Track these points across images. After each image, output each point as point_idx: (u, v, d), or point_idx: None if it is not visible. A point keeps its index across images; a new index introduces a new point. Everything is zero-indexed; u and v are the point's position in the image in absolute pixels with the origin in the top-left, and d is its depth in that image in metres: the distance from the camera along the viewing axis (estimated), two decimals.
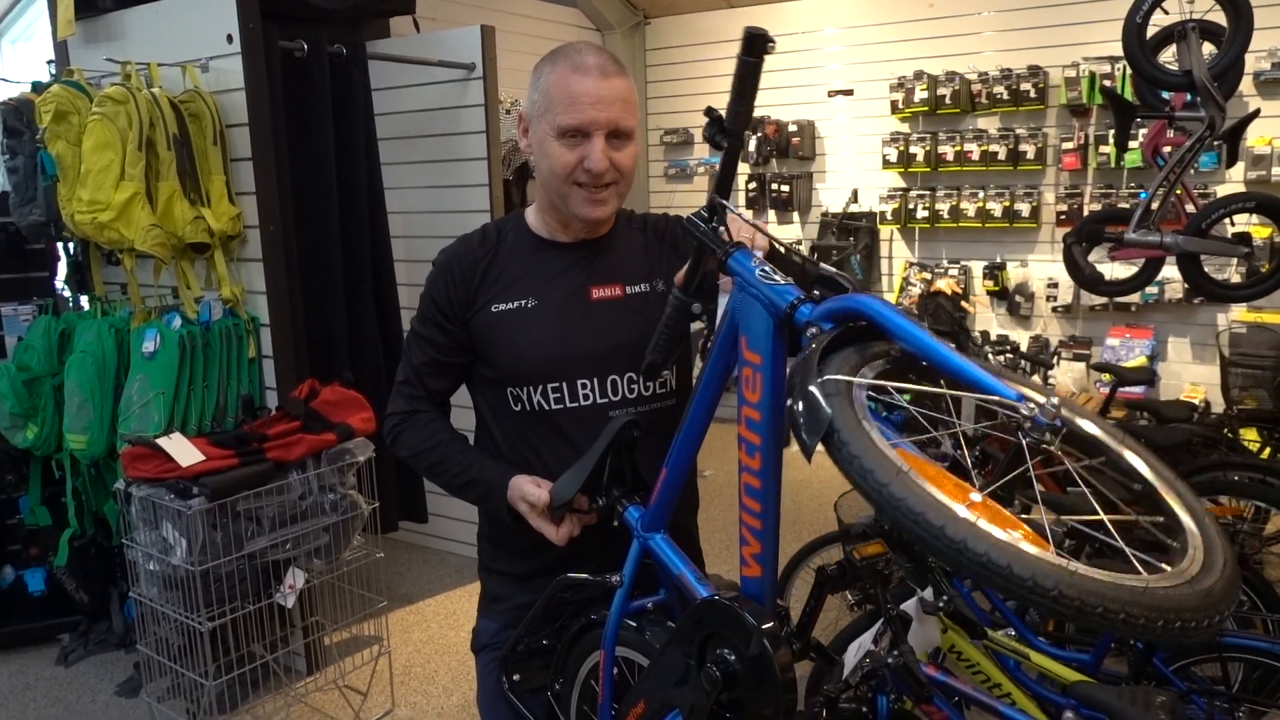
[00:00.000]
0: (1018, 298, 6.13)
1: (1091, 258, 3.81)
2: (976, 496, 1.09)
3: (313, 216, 3.98)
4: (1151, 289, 5.83)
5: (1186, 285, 5.77)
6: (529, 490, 1.71)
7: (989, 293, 6.23)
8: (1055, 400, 1.10)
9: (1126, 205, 5.43)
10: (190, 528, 2.99)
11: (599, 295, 1.79)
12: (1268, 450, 4.43)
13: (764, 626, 1.28)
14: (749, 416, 1.32)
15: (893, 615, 2.57)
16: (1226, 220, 3.39)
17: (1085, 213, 5.70)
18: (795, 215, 6.89)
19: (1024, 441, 1.11)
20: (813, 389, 1.09)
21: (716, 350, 1.43)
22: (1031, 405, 1.09)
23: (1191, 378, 5.91)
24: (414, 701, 3.67)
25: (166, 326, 3.65)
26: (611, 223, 1.83)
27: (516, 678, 1.77)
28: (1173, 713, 2.24)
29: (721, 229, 1.48)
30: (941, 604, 2.60)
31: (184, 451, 3.11)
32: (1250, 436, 5.02)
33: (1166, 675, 2.65)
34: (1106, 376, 4.64)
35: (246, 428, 3.41)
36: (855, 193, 6.59)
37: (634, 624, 1.64)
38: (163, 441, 3.13)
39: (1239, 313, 5.74)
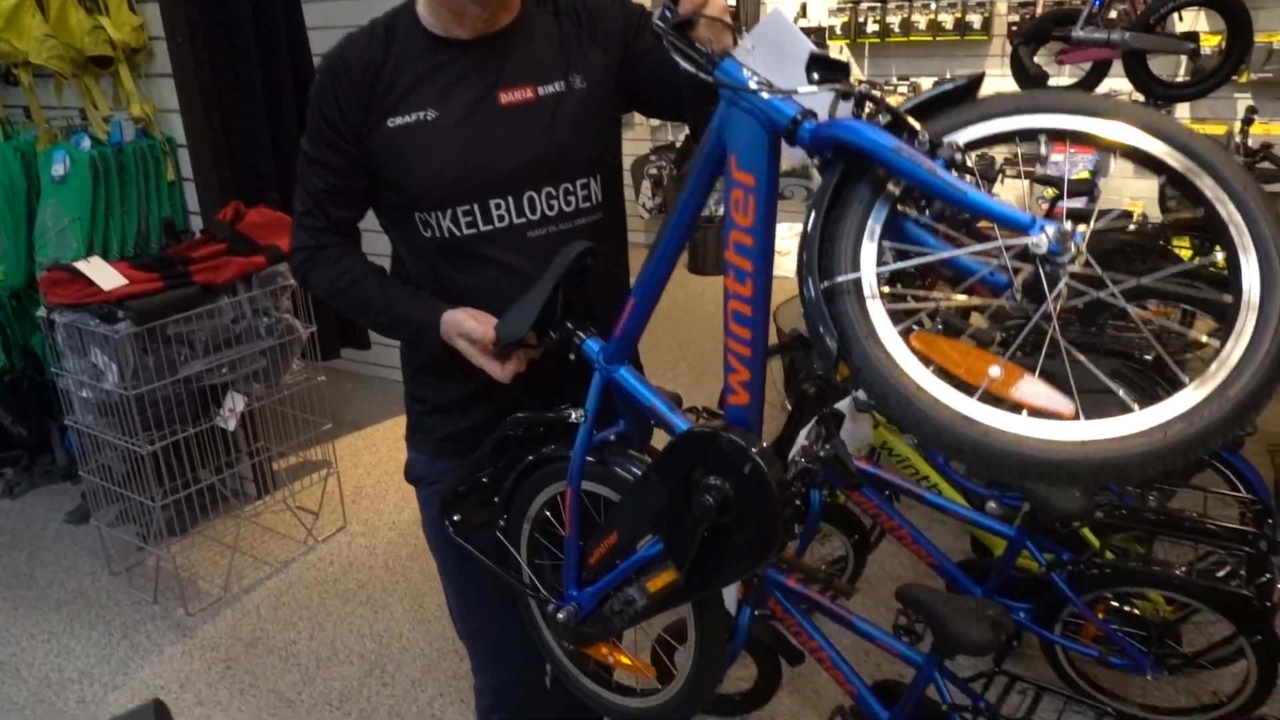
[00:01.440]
0: None
1: (1040, 63, 3.73)
2: (996, 370, 0.99)
3: (223, 24, 3.71)
4: None
5: (1133, 93, 5.70)
6: (468, 325, 1.54)
7: None
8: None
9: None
10: (119, 352, 2.93)
11: (508, 100, 1.55)
12: (1198, 259, 4.51)
13: (755, 450, 1.25)
14: (739, 241, 1.23)
15: (827, 413, 2.65)
16: (1175, 16, 3.31)
17: None
18: (743, 30, 6.61)
19: (1043, 273, 0.99)
20: (820, 303, 1.04)
21: (699, 168, 1.29)
22: (1045, 231, 0.98)
23: (1132, 192, 5.96)
24: (366, 519, 3.75)
25: (75, 148, 3.44)
26: (515, 9, 1.58)
27: (457, 518, 1.70)
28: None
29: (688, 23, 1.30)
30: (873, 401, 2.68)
31: (105, 275, 3.00)
32: (1182, 245, 5.12)
33: None
34: (1049, 191, 4.64)
35: (170, 251, 3.30)
36: (804, 7, 6.33)
37: (594, 458, 1.54)
38: (82, 266, 3.01)
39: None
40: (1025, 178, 6.00)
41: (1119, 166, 6.03)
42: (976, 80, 1.12)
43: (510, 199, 1.57)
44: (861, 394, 2.67)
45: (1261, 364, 0.92)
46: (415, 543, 3.57)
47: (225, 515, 3.65)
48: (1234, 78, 5.53)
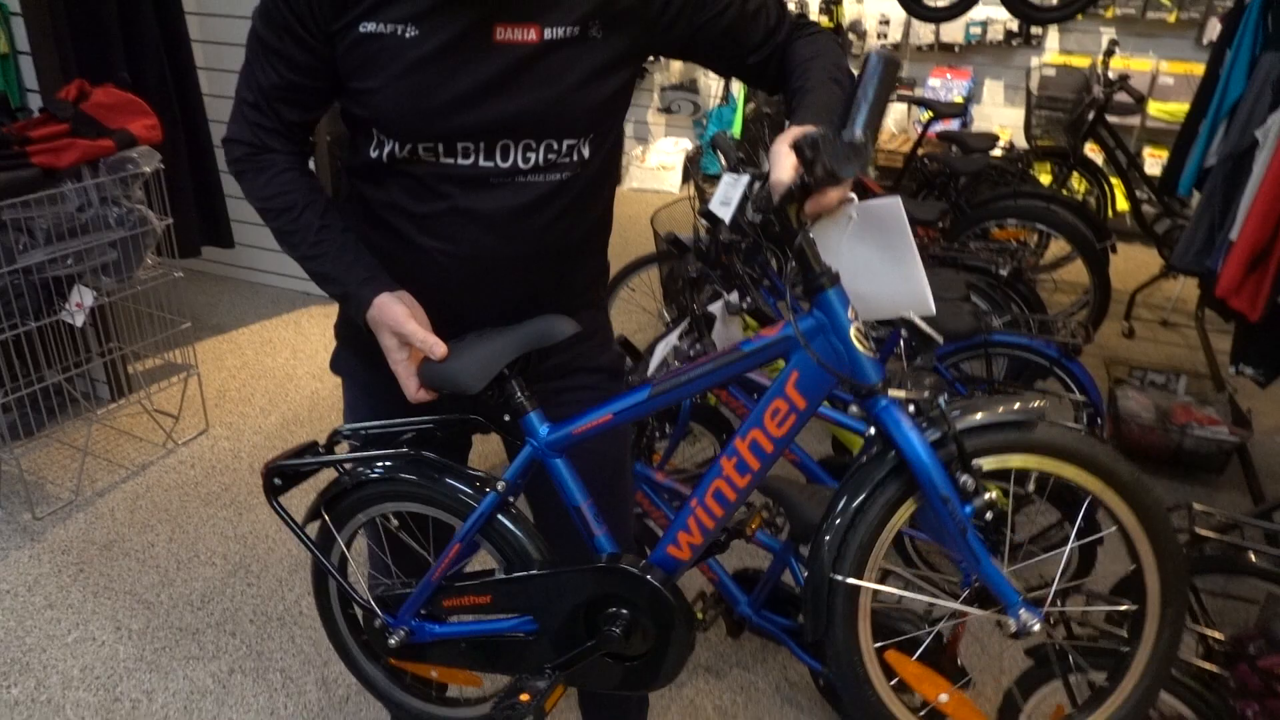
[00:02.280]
0: (850, 35, 6.10)
1: None
2: (945, 697, 1.33)
3: None
4: (975, 28, 5.91)
5: (1008, 18, 5.87)
6: (408, 327, 1.36)
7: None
8: None
9: None
10: None
11: (504, 37, 1.29)
12: (1055, 184, 4.75)
13: (682, 612, 1.37)
14: (758, 442, 1.28)
15: (699, 316, 2.70)
16: None
17: None
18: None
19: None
20: (821, 586, 1.25)
21: (754, 355, 1.27)
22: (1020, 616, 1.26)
23: (1001, 120, 6.18)
24: (230, 423, 3.63)
25: None
26: None
27: (278, 481, 1.58)
28: (974, 313, 2.48)
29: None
30: (745, 304, 2.74)
31: None
32: (1044, 170, 5.36)
33: (939, 370, 2.94)
34: (925, 116, 4.76)
35: (4, 130, 3.03)
36: None
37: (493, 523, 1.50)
38: None
39: (1051, 56, 5.95)
40: (902, 100, 6.12)
41: (990, 94, 6.24)
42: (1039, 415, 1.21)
43: (481, 144, 1.34)
44: (734, 298, 2.73)
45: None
46: (283, 445, 3.48)
47: (76, 418, 3.47)
48: (1100, 12, 5.75)
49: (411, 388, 1.40)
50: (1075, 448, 1.20)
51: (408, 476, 1.51)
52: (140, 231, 3.17)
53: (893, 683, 1.30)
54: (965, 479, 1.17)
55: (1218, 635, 1.89)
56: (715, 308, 2.70)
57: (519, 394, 1.41)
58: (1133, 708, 1.34)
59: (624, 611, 1.39)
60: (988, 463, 1.20)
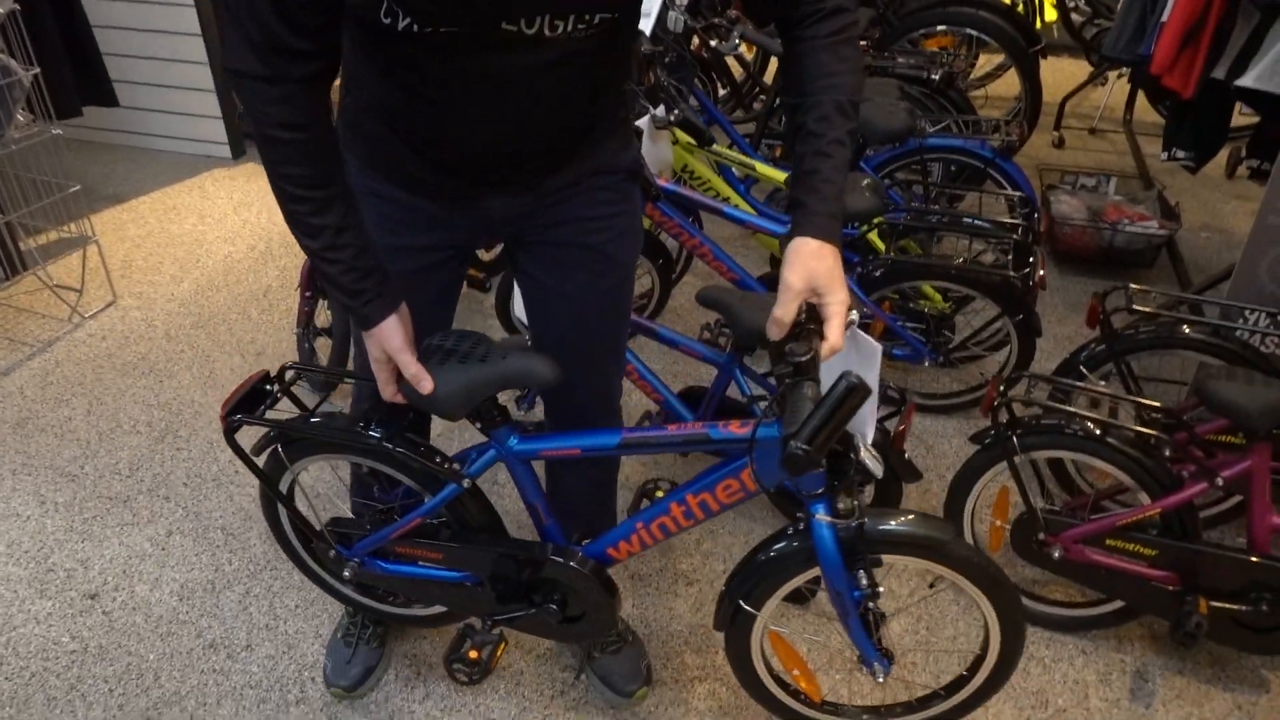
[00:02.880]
0: None
1: None
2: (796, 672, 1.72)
3: None
4: None
5: None
6: (402, 355, 1.37)
7: None
8: None
9: None
10: None
11: None
12: None
13: (610, 593, 1.62)
14: (706, 501, 1.50)
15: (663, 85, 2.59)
16: None
17: None
18: None
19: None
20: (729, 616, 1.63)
21: (711, 443, 1.43)
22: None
23: None
24: (139, 293, 3.43)
25: None
26: None
27: (236, 418, 1.56)
28: (875, 190, 2.40)
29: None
30: (672, 118, 2.61)
31: None
32: None
33: (867, 170, 2.87)
34: None
35: None
36: None
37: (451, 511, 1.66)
38: None
39: None
40: None
41: None
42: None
43: (520, 19, 1.17)
44: (660, 111, 2.59)
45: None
46: (200, 311, 3.31)
47: None
48: None
49: (389, 392, 1.42)
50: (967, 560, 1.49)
51: (383, 451, 1.58)
52: (4, 83, 2.87)
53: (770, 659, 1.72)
54: (860, 574, 1.44)
55: (1154, 404, 1.91)
56: (643, 122, 2.56)
57: (496, 414, 1.51)
58: None
59: (560, 591, 1.63)
60: (887, 557, 1.48)
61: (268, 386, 1.58)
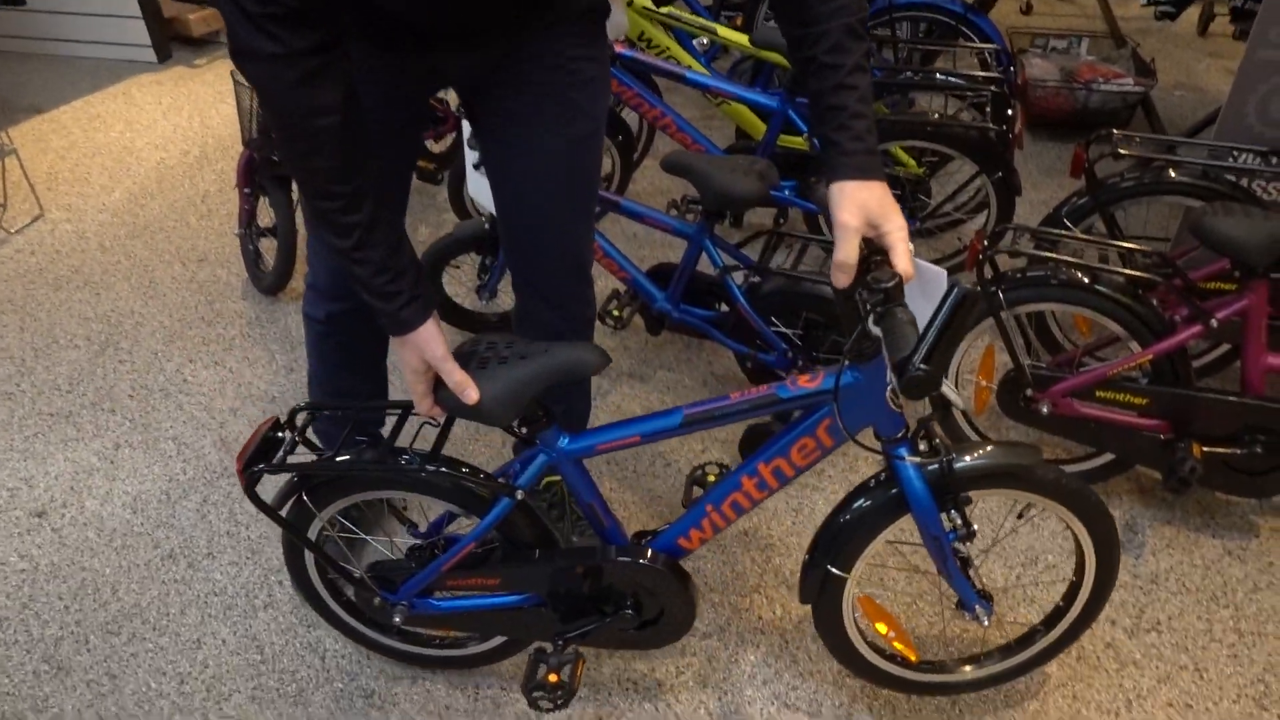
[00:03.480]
0: None
1: None
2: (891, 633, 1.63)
3: None
4: None
5: None
6: (445, 364, 1.25)
7: None
8: None
9: None
10: None
11: None
12: None
13: (689, 588, 1.49)
14: (780, 468, 1.39)
15: None
16: None
17: None
18: None
19: None
20: (818, 578, 1.50)
21: (781, 404, 1.34)
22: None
23: None
24: (68, 205, 3.21)
25: None
26: None
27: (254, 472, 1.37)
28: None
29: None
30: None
31: None
32: None
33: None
34: None
35: None
36: None
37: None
38: None
39: None
40: None
41: None
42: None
43: None
44: None
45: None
46: (135, 220, 3.11)
47: None
48: None
49: (425, 406, 1.30)
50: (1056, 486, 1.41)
51: (423, 479, 1.42)
52: None
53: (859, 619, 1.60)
54: (954, 514, 1.35)
55: (1144, 249, 1.83)
56: None
57: (541, 414, 1.37)
58: None
59: (632, 595, 1.50)
60: (976, 493, 1.38)
61: (279, 434, 1.39)
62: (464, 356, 1.32)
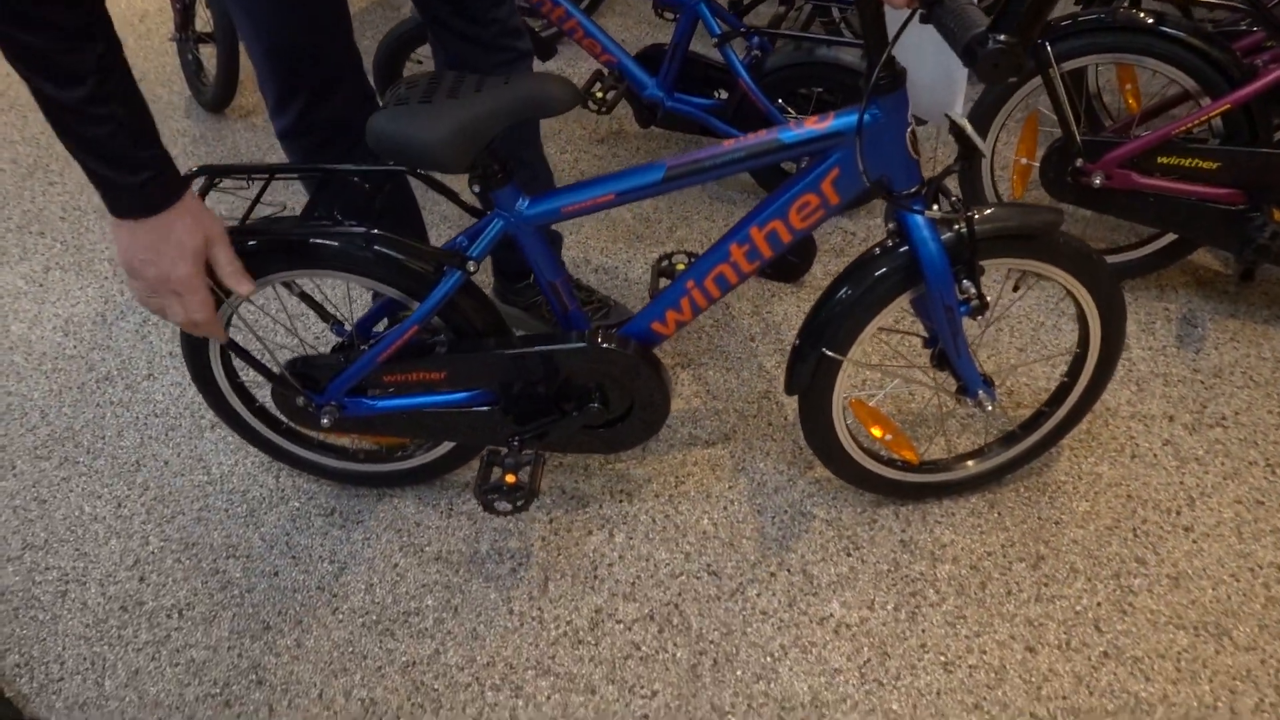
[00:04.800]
0: None
1: None
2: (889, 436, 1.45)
3: None
4: None
5: None
6: (219, 240, 1.00)
7: None
8: None
9: None
10: None
11: None
12: None
13: (664, 380, 1.29)
14: (777, 233, 1.18)
15: None
16: None
17: None
18: None
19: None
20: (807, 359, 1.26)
21: (784, 151, 1.11)
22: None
23: None
24: None
25: None
26: None
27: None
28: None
29: None
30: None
31: None
32: None
33: None
34: None
35: None
36: None
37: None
38: None
39: None
40: None
41: None
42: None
43: None
44: None
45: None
46: None
47: None
48: None
49: (204, 316, 1.02)
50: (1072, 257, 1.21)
51: (360, 254, 1.17)
52: None
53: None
54: (968, 284, 1.16)
55: None
56: None
57: (497, 167, 1.13)
58: None
59: (599, 384, 1.29)
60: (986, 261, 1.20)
61: None
62: (402, 97, 1.07)
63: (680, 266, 1.52)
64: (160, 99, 2.53)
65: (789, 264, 1.84)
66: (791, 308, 1.80)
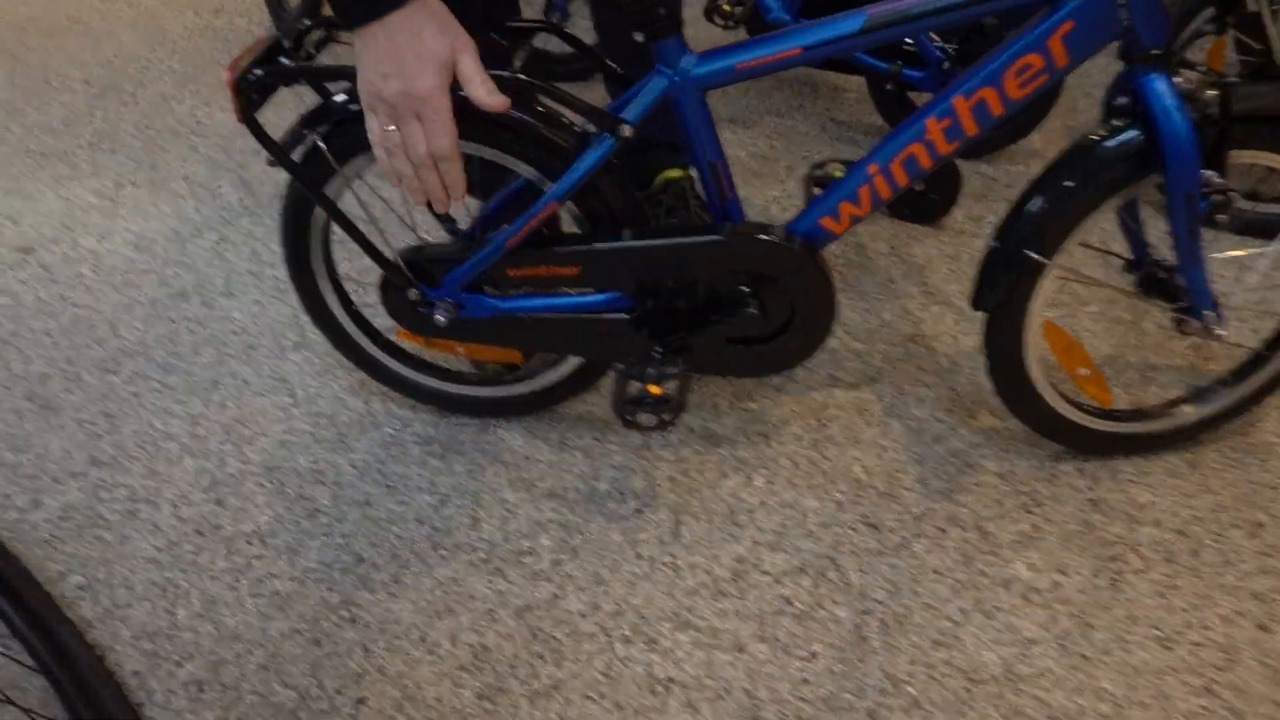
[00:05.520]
0: None
1: None
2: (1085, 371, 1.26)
3: None
4: None
5: None
6: (465, 49, 0.86)
7: None
8: None
9: None
10: None
11: None
12: None
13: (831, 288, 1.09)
14: (985, 101, 0.98)
15: None
16: None
17: None
18: None
19: None
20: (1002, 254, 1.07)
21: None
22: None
23: None
24: None
25: None
26: None
27: (255, 95, 0.98)
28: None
29: None
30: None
31: None
32: None
33: None
34: None
35: None
36: None
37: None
38: None
39: None
40: None
41: None
42: None
43: None
44: None
45: None
46: None
47: None
48: None
49: (498, 103, 0.89)
50: None
51: (509, 114, 0.97)
52: None
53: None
54: (1213, 174, 0.97)
55: None
56: None
57: (664, 15, 0.96)
58: None
59: (753, 288, 1.09)
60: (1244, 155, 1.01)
61: (281, 57, 0.99)
62: None
63: (836, 173, 1.34)
64: (238, 28, 2.40)
65: (928, 201, 1.66)
66: (932, 250, 1.61)
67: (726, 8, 1.71)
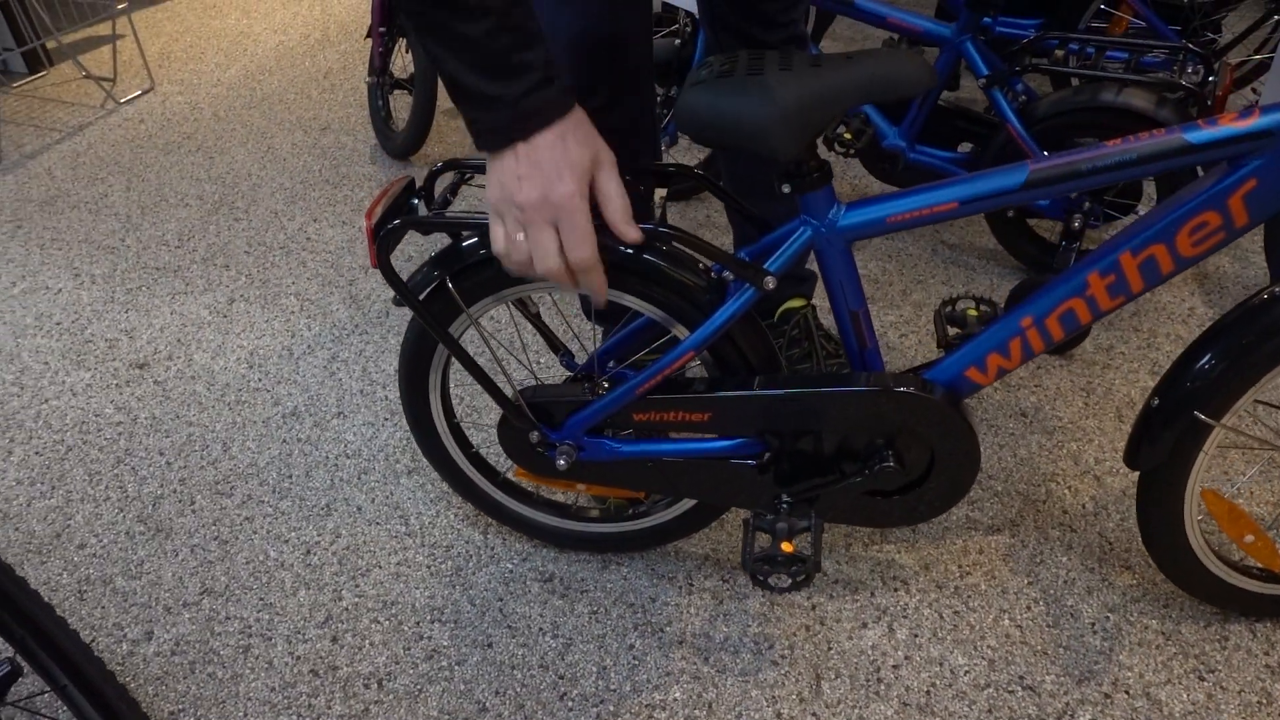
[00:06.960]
0: None
1: None
2: (1250, 538, 1.07)
3: None
4: None
5: None
6: (606, 164, 0.83)
7: None
8: None
9: None
10: None
11: None
12: None
13: (975, 441, 1.04)
14: (1155, 259, 0.95)
15: None
16: None
17: None
18: None
19: None
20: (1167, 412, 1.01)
21: (1191, 155, 0.89)
22: None
23: None
24: (180, 80, 2.92)
25: None
26: None
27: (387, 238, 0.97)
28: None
29: None
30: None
31: None
32: None
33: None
34: None
35: None
36: None
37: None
38: None
39: None
40: None
41: None
42: None
43: None
44: None
45: None
46: (251, 93, 2.80)
47: None
48: None
49: (585, 253, 0.82)
50: None
51: (629, 259, 0.98)
52: None
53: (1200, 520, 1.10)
54: None
55: None
56: None
57: (815, 170, 0.95)
58: None
59: (889, 439, 1.04)
60: None
61: (414, 200, 1.00)
62: (717, 75, 0.90)
63: (971, 313, 1.30)
64: (344, 146, 2.47)
65: None
66: (1064, 381, 1.55)
67: (848, 136, 1.72)
